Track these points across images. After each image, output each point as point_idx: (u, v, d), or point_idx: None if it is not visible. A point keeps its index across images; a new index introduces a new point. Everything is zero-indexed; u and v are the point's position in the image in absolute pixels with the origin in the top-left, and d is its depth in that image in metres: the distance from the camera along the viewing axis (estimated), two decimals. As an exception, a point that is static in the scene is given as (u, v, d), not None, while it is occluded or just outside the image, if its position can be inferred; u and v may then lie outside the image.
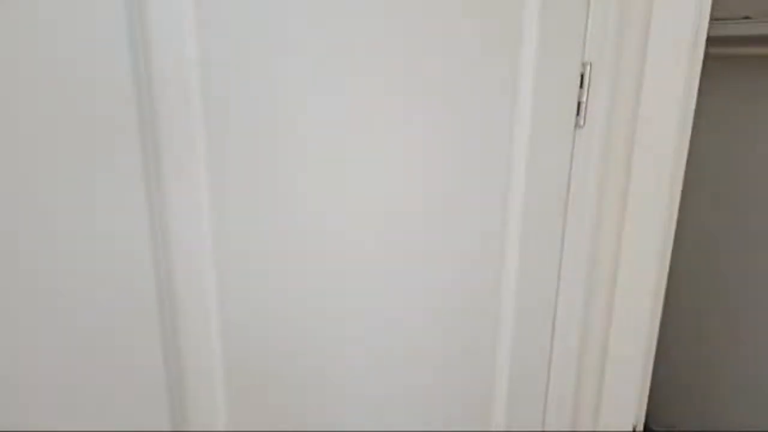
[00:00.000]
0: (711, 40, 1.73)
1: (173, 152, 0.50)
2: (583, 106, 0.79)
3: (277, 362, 0.58)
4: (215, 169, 0.52)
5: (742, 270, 1.83)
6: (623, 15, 0.78)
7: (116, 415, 0.50)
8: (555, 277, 0.86)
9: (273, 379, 0.58)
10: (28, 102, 0.43)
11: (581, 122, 0.80)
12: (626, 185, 0.86)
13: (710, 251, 1.90)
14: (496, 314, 0.80)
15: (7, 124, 0.43)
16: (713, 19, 1.71)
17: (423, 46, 0.61)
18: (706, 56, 1.78)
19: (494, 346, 0.81)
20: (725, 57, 1.78)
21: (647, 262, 0.87)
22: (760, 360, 1.82)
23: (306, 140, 0.57)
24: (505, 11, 0.67)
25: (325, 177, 0.58)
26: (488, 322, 0.79)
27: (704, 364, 1.96)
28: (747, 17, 1.67)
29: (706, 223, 1.89)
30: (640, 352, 0.91)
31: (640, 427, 0.95)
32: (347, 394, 0.64)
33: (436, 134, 0.66)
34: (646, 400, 0.95)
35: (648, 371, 0.94)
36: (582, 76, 0.78)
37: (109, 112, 0.46)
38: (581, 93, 0.78)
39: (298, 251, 0.58)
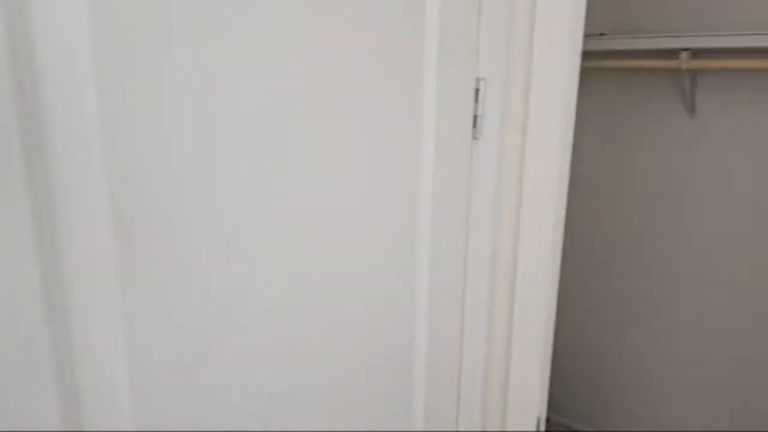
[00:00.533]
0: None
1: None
2: (479, 119, 0.83)
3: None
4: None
5: (625, 266, 2.03)
6: (510, 33, 0.83)
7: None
8: (461, 277, 0.89)
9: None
10: None
11: (477, 134, 0.84)
12: (520, 189, 0.92)
13: (594, 248, 2.09)
14: (411, 309, 0.81)
15: None
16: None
17: (332, 53, 0.61)
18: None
19: (410, 346, 0.82)
20: (587, 69, 1.97)
21: (542, 259, 0.94)
22: (643, 352, 2.03)
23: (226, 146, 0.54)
24: (407, 35, 0.69)
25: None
26: (404, 321, 0.80)
27: (592, 356, 2.15)
28: (602, 34, 1.87)
29: (585, 221, 2.08)
30: (539, 349, 0.97)
31: (543, 420, 1.02)
32: (255, 394, 0.61)
33: (349, 149, 0.66)
34: (546, 395, 1.02)
35: (546, 368, 1.01)
36: (477, 91, 0.82)
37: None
38: (476, 107, 0.83)
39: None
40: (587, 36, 1.88)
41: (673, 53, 1.62)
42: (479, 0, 0.79)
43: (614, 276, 2.03)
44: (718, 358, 1.82)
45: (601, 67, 1.85)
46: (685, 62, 1.58)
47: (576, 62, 0.88)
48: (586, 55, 1.85)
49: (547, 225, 0.92)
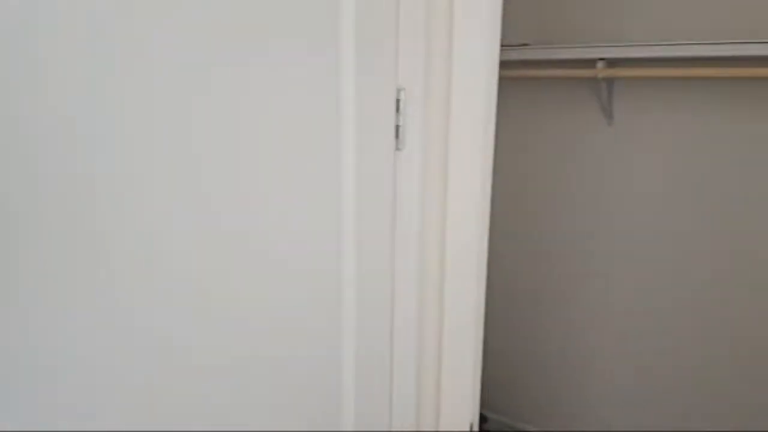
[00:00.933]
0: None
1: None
2: (401, 129, 0.83)
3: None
4: None
5: (549, 266, 2.10)
6: (430, 44, 0.84)
7: None
8: (389, 288, 0.89)
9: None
10: None
11: (400, 145, 0.84)
12: (445, 198, 0.93)
13: (518, 252, 2.15)
14: (338, 322, 0.80)
15: None
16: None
17: (242, 64, 0.59)
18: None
19: (338, 361, 0.81)
20: (511, 78, 2.04)
21: (469, 267, 0.95)
22: (568, 353, 2.10)
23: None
24: (322, 47, 0.68)
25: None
26: (330, 337, 0.79)
27: (525, 357, 2.20)
28: (525, 44, 1.93)
29: (510, 226, 2.14)
30: (470, 351, 0.98)
31: (476, 422, 1.03)
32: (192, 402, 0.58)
33: (266, 166, 0.64)
34: (478, 401, 1.03)
35: (478, 372, 1.02)
36: (398, 102, 0.82)
37: None
38: (398, 117, 0.83)
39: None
40: (511, 46, 1.94)
41: (590, 63, 1.70)
42: (396, 11, 0.79)
43: (539, 278, 2.09)
44: (638, 357, 1.91)
45: (525, 76, 1.91)
46: (600, 71, 1.66)
47: (494, 71, 0.90)
48: (510, 64, 1.92)
49: (472, 233, 0.93)
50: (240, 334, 0.64)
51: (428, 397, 1.02)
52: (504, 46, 1.95)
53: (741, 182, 1.64)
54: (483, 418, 2.11)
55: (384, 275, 0.88)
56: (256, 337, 0.67)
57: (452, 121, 0.89)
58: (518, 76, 1.93)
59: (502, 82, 2.05)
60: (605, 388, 2.01)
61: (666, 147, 1.75)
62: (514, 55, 1.87)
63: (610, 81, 1.78)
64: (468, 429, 1.01)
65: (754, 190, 1.62)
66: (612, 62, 1.69)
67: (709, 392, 1.80)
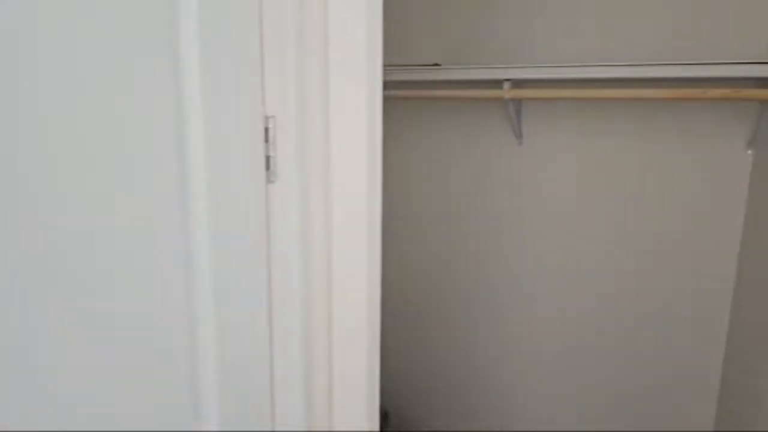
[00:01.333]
0: (407, 84, 1.95)
1: None
2: (272, 160, 0.77)
3: None
4: None
5: (463, 286, 2.08)
6: (303, 66, 0.79)
7: None
8: (266, 334, 0.82)
9: None
10: None
11: (273, 177, 0.78)
12: (330, 227, 0.87)
13: (420, 263, 2.13)
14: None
15: None
16: (408, 65, 1.93)
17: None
18: (399, 98, 1.98)
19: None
20: (423, 98, 2.03)
21: (359, 292, 0.90)
22: (464, 360, 2.09)
23: None
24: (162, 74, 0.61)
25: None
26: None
27: (424, 362, 2.17)
28: (437, 64, 1.93)
29: (421, 244, 2.11)
30: (363, 371, 0.93)
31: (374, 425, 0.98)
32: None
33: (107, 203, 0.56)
34: (377, 410, 0.98)
35: (375, 391, 0.97)
36: (267, 130, 0.76)
37: None
38: (268, 147, 0.77)
39: None
40: (423, 66, 1.94)
41: (499, 83, 1.71)
42: (260, 37, 0.73)
43: (454, 297, 2.08)
44: (554, 376, 1.93)
45: (435, 96, 1.90)
46: (506, 92, 1.67)
47: (376, 92, 0.86)
48: (421, 84, 1.91)
49: (362, 259, 0.88)
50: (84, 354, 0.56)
51: (320, 406, 0.95)
52: (416, 66, 1.95)
53: (647, 200, 1.69)
54: (384, 416, 2.04)
55: (258, 312, 0.81)
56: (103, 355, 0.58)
57: (334, 148, 0.84)
58: (430, 96, 1.93)
59: (413, 102, 2.05)
60: (511, 391, 2.01)
61: (573, 166, 1.78)
62: (427, 75, 1.86)
63: (517, 102, 1.80)
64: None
65: (660, 207, 1.67)
66: (520, 83, 1.71)
67: (614, 405, 1.82)
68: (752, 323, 1.43)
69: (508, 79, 1.68)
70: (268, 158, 0.77)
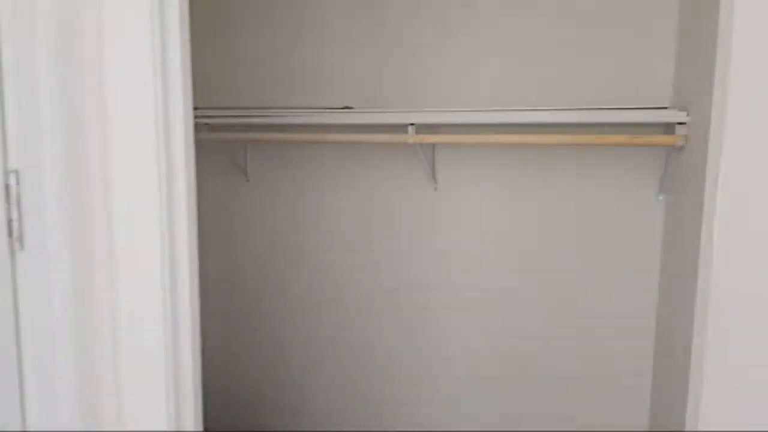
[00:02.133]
0: (312, 128, 1.83)
1: None
2: (15, 224, 0.63)
3: None
4: None
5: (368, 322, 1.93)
6: (60, 115, 0.65)
7: None
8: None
9: None
10: None
11: (17, 245, 0.63)
12: (111, 297, 0.72)
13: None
14: None
15: None
16: (314, 108, 1.81)
17: None
18: (305, 142, 1.81)
19: None
20: (331, 142, 1.92)
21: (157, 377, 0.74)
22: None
23: None
24: None
25: None
26: None
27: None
28: (348, 107, 1.83)
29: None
30: None
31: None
32: None
33: None
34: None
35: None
36: (7, 188, 0.62)
37: None
38: (11, 209, 0.62)
39: None
40: (333, 108, 1.83)
41: (404, 127, 1.61)
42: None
43: (350, 332, 1.92)
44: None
45: (340, 141, 1.79)
46: (410, 137, 1.57)
47: (187, 141, 0.73)
48: (328, 128, 1.80)
49: (157, 355, 0.73)
50: None
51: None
52: (326, 108, 1.84)
53: (556, 238, 1.59)
54: None
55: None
56: None
57: (116, 205, 0.70)
58: (343, 141, 1.81)
59: (319, 146, 1.93)
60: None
61: (481, 208, 1.69)
62: (335, 119, 1.75)
63: (426, 147, 1.70)
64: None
65: (571, 246, 1.58)
66: (426, 128, 1.61)
67: None
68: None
69: (412, 124, 1.58)
70: (10, 221, 0.63)
